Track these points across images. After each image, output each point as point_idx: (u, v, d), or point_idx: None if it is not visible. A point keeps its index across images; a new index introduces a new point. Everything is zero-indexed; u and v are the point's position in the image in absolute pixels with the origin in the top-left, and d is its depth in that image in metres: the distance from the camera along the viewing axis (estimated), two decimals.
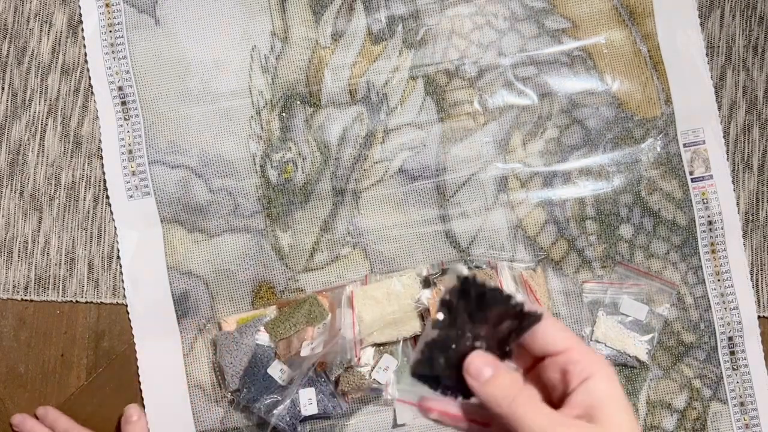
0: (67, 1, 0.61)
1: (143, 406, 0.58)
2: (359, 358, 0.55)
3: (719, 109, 0.60)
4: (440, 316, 0.30)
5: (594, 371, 0.30)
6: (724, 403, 0.59)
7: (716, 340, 0.59)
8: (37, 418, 0.58)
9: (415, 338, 0.56)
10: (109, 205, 0.59)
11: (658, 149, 0.60)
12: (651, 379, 0.59)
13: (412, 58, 0.60)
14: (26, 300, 0.59)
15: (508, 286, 0.56)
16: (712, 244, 0.60)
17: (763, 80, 0.61)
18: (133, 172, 0.59)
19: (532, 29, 0.60)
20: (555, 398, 0.32)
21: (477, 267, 0.59)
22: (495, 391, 0.29)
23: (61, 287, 0.59)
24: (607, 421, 0.29)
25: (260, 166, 0.59)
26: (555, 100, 0.60)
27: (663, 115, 0.60)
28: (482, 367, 0.30)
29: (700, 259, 0.60)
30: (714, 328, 0.59)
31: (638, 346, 0.58)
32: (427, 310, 0.56)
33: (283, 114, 0.60)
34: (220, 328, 0.58)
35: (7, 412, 0.59)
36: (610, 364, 0.30)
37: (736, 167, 0.60)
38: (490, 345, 0.31)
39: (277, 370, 0.56)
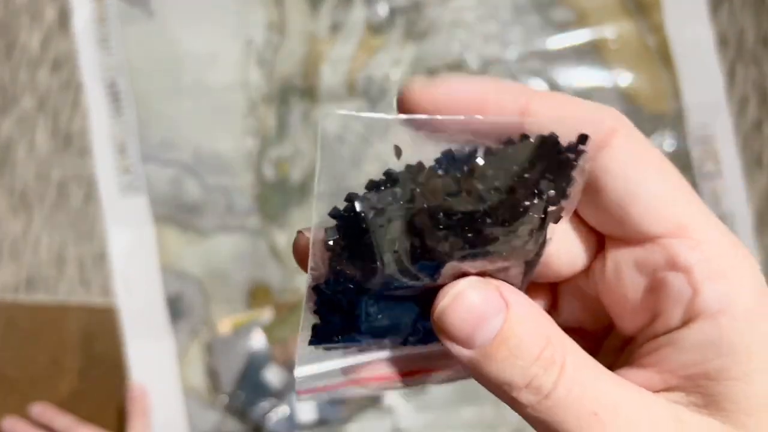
0: None
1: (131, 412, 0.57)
2: None
3: (729, 104, 0.59)
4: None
5: (735, 294, 0.15)
6: None
7: None
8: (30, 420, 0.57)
9: None
10: (100, 203, 0.59)
11: (667, 145, 0.59)
12: None
13: (413, 51, 0.59)
14: (16, 301, 0.58)
15: None
16: None
17: None
18: (125, 169, 0.59)
19: (538, 22, 0.59)
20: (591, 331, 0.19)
21: None
22: (511, 369, 0.15)
23: (51, 288, 0.58)
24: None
25: (256, 163, 0.58)
26: None
27: (672, 111, 0.59)
28: (478, 312, 0.15)
29: None
30: None
31: None
32: None
33: (280, 109, 0.59)
34: (215, 331, 0.57)
35: None
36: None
37: (747, 164, 0.59)
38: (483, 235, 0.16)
39: (273, 374, 0.56)
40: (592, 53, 0.59)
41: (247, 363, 0.56)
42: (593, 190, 0.16)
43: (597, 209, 0.17)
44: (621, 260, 0.17)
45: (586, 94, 0.59)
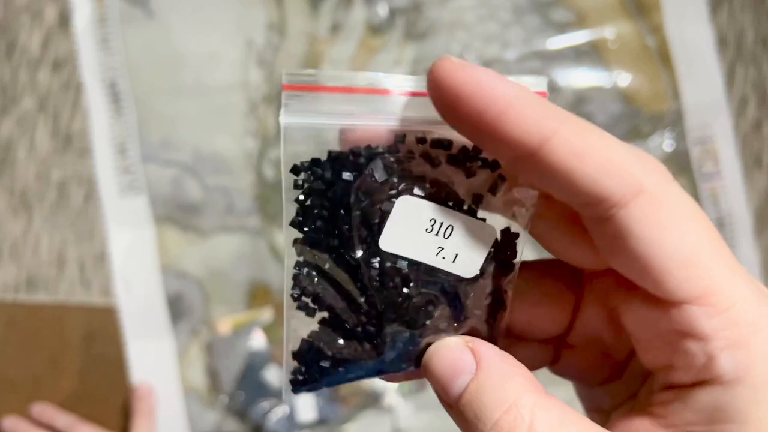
0: None
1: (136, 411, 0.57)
2: None
3: (729, 104, 0.59)
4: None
5: (754, 364, 0.15)
6: None
7: None
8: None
9: None
10: (101, 203, 0.58)
11: (666, 146, 0.59)
12: None
13: (413, 52, 0.59)
14: (16, 301, 0.58)
15: None
16: None
17: None
18: (125, 169, 0.58)
19: (537, 22, 0.59)
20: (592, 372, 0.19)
21: None
22: (474, 430, 0.16)
23: (51, 288, 0.58)
24: None
25: (256, 163, 0.58)
26: (561, 96, 0.59)
27: (671, 111, 0.59)
28: (452, 370, 0.16)
29: None
30: None
31: None
32: None
33: (280, 109, 0.59)
34: (215, 331, 0.57)
35: None
36: None
37: (747, 164, 0.59)
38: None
39: (273, 374, 0.55)
40: (592, 53, 0.59)
41: (247, 363, 0.56)
42: (619, 246, 0.15)
43: (623, 266, 0.16)
44: (641, 310, 0.16)
45: (586, 94, 0.59)
